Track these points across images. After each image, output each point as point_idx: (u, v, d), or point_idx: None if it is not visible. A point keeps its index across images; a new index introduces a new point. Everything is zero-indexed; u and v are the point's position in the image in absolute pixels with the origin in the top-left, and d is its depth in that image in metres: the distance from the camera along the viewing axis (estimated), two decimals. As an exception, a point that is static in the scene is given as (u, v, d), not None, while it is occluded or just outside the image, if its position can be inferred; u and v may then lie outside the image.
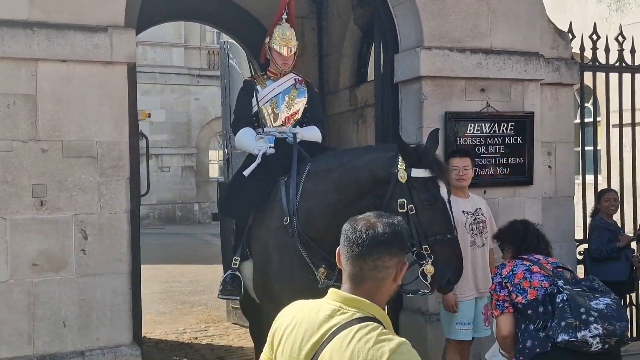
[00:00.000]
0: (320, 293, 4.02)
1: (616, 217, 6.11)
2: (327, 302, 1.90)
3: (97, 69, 4.37)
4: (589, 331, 3.17)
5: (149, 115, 9.08)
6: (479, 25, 5.43)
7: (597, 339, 3.17)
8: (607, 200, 5.93)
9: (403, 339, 1.79)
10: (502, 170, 5.47)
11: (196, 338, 7.32)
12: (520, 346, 3.45)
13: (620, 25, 6.67)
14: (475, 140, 5.34)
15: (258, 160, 4.36)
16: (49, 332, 4.24)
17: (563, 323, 3.23)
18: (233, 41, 8.17)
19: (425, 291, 3.80)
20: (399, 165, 3.67)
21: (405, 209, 3.61)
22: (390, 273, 1.87)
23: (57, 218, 4.26)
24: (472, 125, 5.34)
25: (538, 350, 3.34)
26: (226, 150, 8.22)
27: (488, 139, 5.40)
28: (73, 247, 4.28)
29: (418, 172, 3.64)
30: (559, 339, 3.22)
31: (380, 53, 5.80)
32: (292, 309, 2.00)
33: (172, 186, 23.54)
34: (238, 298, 4.38)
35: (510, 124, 5.44)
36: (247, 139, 4.59)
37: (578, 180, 6.26)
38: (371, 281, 1.87)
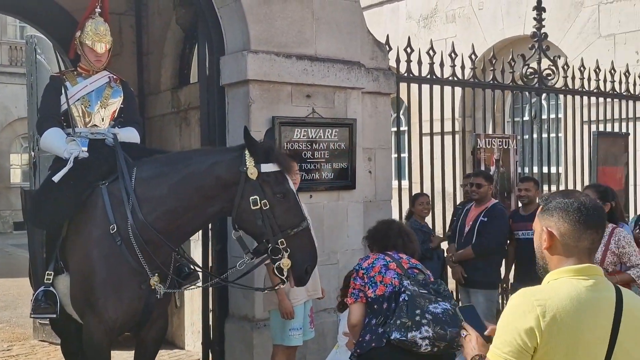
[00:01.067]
0: (154, 302, 3.83)
1: (428, 219, 6.53)
2: (582, 279, 1.94)
3: None
4: (420, 332, 3.28)
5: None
6: (304, 32, 5.51)
7: (427, 341, 3.28)
8: (420, 203, 6.31)
9: None
10: (327, 175, 5.59)
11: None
12: (360, 339, 3.54)
13: (431, 40, 7.15)
14: (301, 145, 5.41)
15: (69, 165, 4.00)
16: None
17: (398, 322, 3.34)
18: (41, 35, 7.54)
19: (282, 285, 3.87)
20: (247, 163, 3.64)
21: (259, 204, 3.61)
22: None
23: None
24: (299, 130, 5.39)
25: (373, 344, 3.43)
26: (32, 154, 7.56)
27: (314, 144, 5.49)
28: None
29: (268, 167, 3.65)
30: (392, 337, 3.33)
31: (206, 55, 5.66)
32: (556, 299, 1.90)
33: (-33, 193, 21.30)
34: (54, 316, 3.99)
35: (334, 130, 5.58)
36: (56, 141, 4.19)
37: (395, 185, 6.58)
38: (594, 254, 2.05)
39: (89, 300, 3.79)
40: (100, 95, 4.39)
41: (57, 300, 3.95)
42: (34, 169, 7.43)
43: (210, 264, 5.48)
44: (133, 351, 4.19)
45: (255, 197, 3.61)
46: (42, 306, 3.94)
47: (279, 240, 3.60)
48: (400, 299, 3.41)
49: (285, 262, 3.59)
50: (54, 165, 4.22)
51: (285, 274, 3.63)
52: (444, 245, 6.49)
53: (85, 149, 4.11)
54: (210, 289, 5.48)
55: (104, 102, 4.38)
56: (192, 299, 6.35)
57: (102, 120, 4.39)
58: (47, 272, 3.97)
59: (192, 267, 4.24)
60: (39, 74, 7.43)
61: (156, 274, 3.81)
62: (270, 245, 3.61)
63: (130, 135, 4.41)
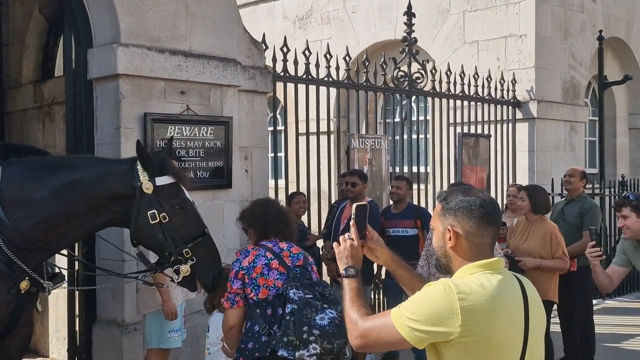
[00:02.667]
0: (23, 307, 3.56)
1: (304, 218, 6.58)
2: (495, 273, 2.05)
3: None
4: (307, 350, 3.26)
5: None
6: (178, 27, 5.37)
7: (314, 357, 3.27)
8: (297, 202, 6.35)
9: None
10: (203, 174, 5.48)
11: None
12: (242, 346, 3.44)
13: (307, 40, 7.22)
14: (175, 143, 5.25)
15: None
16: None
17: (285, 339, 3.29)
18: None
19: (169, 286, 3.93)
20: (141, 178, 3.56)
21: (158, 218, 3.57)
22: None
23: None
24: (172, 127, 5.25)
25: (257, 354, 3.38)
26: None
27: (188, 142, 5.37)
28: None
29: (163, 180, 3.61)
30: (279, 353, 3.30)
31: (72, 47, 5.37)
32: (487, 302, 1.97)
33: None
34: None
35: (210, 128, 5.48)
36: None
37: (272, 185, 6.58)
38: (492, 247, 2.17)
39: None
40: None
41: None
42: None
43: (76, 267, 5.20)
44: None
45: (153, 211, 3.56)
46: None
47: (184, 251, 3.61)
48: (287, 310, 3.35)
49: (185, 269, 3.60)
50: None
51: (177, 279, 3.63)
52: (320, 243, 6.58)
53: None
54: (77, 293, 5.22)
55: None
56: (57, 304, 6.02)
57: None
58: None
59: (56, 267, 4.01)
60: None
61: (26, 278, 3.56)
62: (173, 257, 3.60)
63: None
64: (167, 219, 3.58)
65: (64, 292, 5.36)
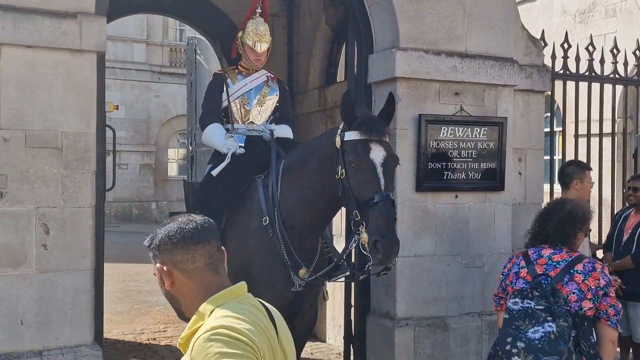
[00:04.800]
0: (305, 293, 3.94)
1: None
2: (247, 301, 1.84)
3: (64, 57, 4.18)
4: None
5: (117, 108, 8.81)
6: (455, 29, 5.41)
7: None
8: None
9: None
10: (474, 175, 5.45)
11: (154, 339, 7.13)
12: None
13: (591, 35, 6.75)
14: (448, 144, 5.31)
15: (227, 160, 4.22)
16: (4, 330, 4.02)
17: (491, 351, 3.26)
18: (201, 37, 8.00)
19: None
20: (338, 132, 3.63)
21: (339, 174, 3.56)
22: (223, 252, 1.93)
23: (18, 211, 4.05)
24: (446, 128, 5.30)
25: None
26: (190, 148, 8.05)
27: (461, 143, 5.37)
28: (34, 242, 4.07)
29: (350, 135, 3.58)
30: None
31: (354, 53, 5.73)
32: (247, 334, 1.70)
33: (130, 184, 23.09)
34: None
35: (483, 129, 5.43)
36: (216, 136, 4.43)
37: (547, 189, 6.29)
38: (222, 265, 1.89)
39: None
40: (258, 93, 4.59)
41: None
42: (191, 163, 7.92)
43: (352, 260, 5.53)
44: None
45: (339, 166, 3.56)
46: None
47: (354, 213, 3.49)
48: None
49: (364, 238, 3.44)
50: (213, 159, 4.47)
51: (353, 245, 3.56)
52: (600, 253, 6.11)
53: (242, 144, 4.31)
54: (353, 284, 5.54)
55: (260, 100, 4.57)
56: (334, 293, 6.46)
57: (259, 116, 4.58)
58: None
59: (341, 260, 4.30)
60: (198, 73, 7.89)
61: (304, 266, 3.91)
62: (352, 218, 3.54)
63: (285, 131, 4.58)
64: (344, 176, 3.52)
65: (341, 281, 5.74)
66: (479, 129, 5.42)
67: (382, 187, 3.47)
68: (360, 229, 3.44)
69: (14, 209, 4.04)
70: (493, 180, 5.51)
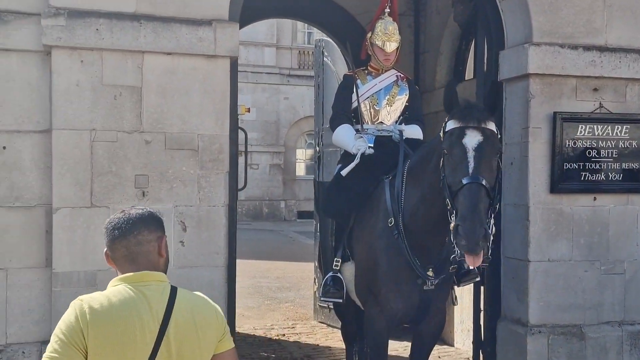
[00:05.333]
0: (430, 296, 3.88)
1: None
2: (126, 288, 2.05)
3: (200, 62, 4.39)
4: None
5: (249, 110, 9.14)
6: (593, 21, 5.11)
7: None
8: None
9: (198, 293, 2.22)
10: (615, 176, 5.12)
11: (284, 335, 7.31)
12: None
13: None
14: (585, 143, 5.03)
15: (356, 161, 4.26)
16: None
17: None
18: (328, 39, 8.11)
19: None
20: (443, 124, 3.62)
21: (440, 165, 3.53)
22: (152, 246, 2.13)
23: (158, 209, 4.28)
24: (583, 127, 5.02)
25: None
26: (317, 149, 8.19)
27: (600, 142, 5.07)
28: (172, 238, 4.30)
29: (450, 125, 3.53)
30: None
31: (484, 50, 5.57)
32: (86, 319, 1.98)
33: (260, 183, 23.89)
34: (340, 300, 4.28)
35: (625, 127, 5.09)
36: (346, 137, 4.48)
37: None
38: (142, 257, 2.11)
39: (371, 289, 3.99)
40: (388, 93, 4.59)
41: (344, 286, 4.22)
42: (319, 162, 8.05)
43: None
44: (404, 342, 4.31)
45: (440, 158, 3.53)
46: (330, 291, 4.24)
47: (446, 201, 3.39)
48: None
49: (452, 227, 3.32)
50: (342, 160, 4.52)
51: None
52: None
53: (372, 145, 4.33)
54: (482, 287, 5.39)
55: (390, 100, 4.57)
56: (462, 296, 6.31)
57: (389, 116, 4.58)
58: (335, 259, 4.28)
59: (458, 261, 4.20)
60: (326, 75, 8.00)
61: (430, 268, 3.86)
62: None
63: (414, 132, 4.55)
64: (442, 165, 3.47)
65: (469, 285, 5.60)
66: (620, 127, 5.09)
67: (470, 171, 3.32)
68: (451, 218, 3.33)
69: (154, 207, 4.26)
70: (636, 182, 5.15)
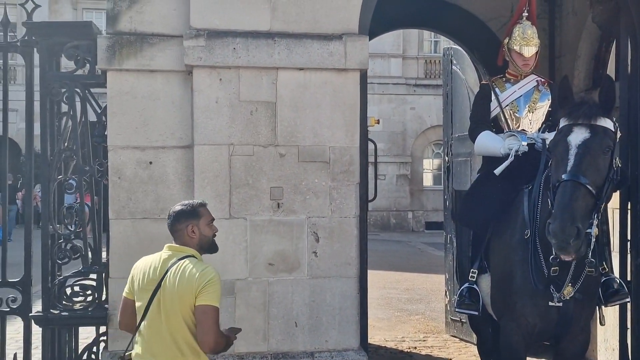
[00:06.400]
0: (572, 313, 3.68)
1: None
2: (164, 252, 3.19)
3: (331, 76, 4.47)
4: None
5: (378, 122, 9.20)
6: None
7: None
8: None
9: (209, 265, 3.13)
10: None
11: (415, 347, 7.22)
12: None
13: None
14: None
15: (510, 159, 4.17)
16: (281, 331, 4.40)
17: None
18: (457, 47, 7.97)
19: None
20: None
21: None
22: (183, 230, 3.20)
23: (292, 220, 4.41)
24: None
25: None
26: (447, 158, 8.05)
27: None
28: (306, 249, 4.40)
29: (561, 122, 3.48)
30: None
31: (628, 51, 5.23)
32: (141, 261, 3.25)
33: (388, 194, 23.83)
34: (476, 313, 4.17)
35: None
36: (492, 140, 4.38)
37: None
38: (176, 236, 3.22)
39: (507, 303, 3.85)
40: (528, 99, 4.45)
41: (480, 298, 4.12)
42: (448, 173, 7.91)
43: (628, 278, 5.03)
44: (546, 360, 4.12)
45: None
46: (465, 302, 4.16)
47: (547, 200, 3.38)
48: None
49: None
50: (484, 167, 4.41)
51: None
52: None
53: (526, 143, 4.20)
54: (629, 305, 5.04)
55: (531, 106, 4.42)
56: (606, 313, 5.93)
57: (530, 124, 4.43)
58: (471, 269, 4.19)
59: (621, 283, 3.95)
60: (454, 84, 7.88)
61: (569, 285, 3.66)
62: None
63: None
64: (550, 164, 3.47)
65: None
66: None
67: (569, 168, 3.27)
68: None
69: (289, 219, 4.41)
70: None
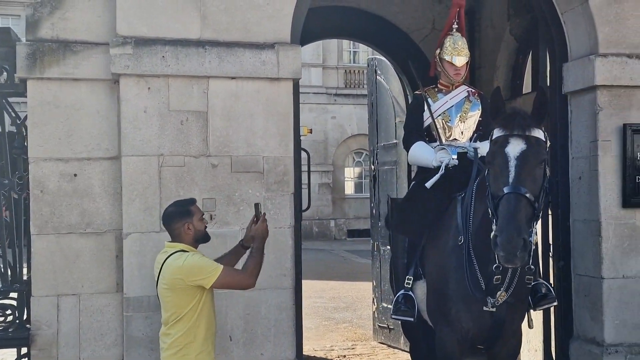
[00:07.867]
0: (504, 317, 3.77)
1: None
2: (163, 249, 3.66)
3: (264, 85, 4.43)
4: None
5: (311, 131, 9.21)
6: (662, 30, 4.96)
7: None
8: None
9: (188, 255, 3.55)
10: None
11: (344, 356, 7.23)
12: None
13: None
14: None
15: (441, 172, 4.23)
16: (215, 346, 4.28)
17: None
18: (381, 57, 8.10)
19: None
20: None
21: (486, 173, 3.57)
22: (179, 228, 3.63)
23: (226, 232, 4.32)
24: (656, 138, 4.86)
25: None
26: (372, 167, 8.14)
27: (673, 154, 4.90)
28: (240, 262, 4.30)
29: (495, 133, 3.49)
30: None
31: (545, 63, 5.46)
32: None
33: (310, 202, 23.91)
34: (412, 319, 4.21)
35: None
36: (424, 152, 4.44)
37: None
38: (172, 234, 3.67)
39: (442, 308, 3.91)
40: (460, 109, 4.54)
41: (415, 305, 4.16)
42: (374, 181, 8.01)
43: (551, 281, 5.23)
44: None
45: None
46: (401, 309, 4.19)
47: (488, 209, 3.41)
48: None
49: (493, 236, 3.30)
50: (417, 176, 4.47)
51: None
52: None
53: (455, 156, 4.28)
54: (552, 307, 5.23)
55: (462, 116, 4.51)
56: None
57: (462, 134, 4.52)
58: (407, 277, 4.22)
59: (548, 287, 4.08)
60: (379, 93, 7.99)
61: (503, 290, 3.74)
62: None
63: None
64: (486, 174, 3.50)
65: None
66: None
67: (510, 180, 3.29)
68: (493, 227, 3.32)
69: (222, 230, 4.32)
70: None
